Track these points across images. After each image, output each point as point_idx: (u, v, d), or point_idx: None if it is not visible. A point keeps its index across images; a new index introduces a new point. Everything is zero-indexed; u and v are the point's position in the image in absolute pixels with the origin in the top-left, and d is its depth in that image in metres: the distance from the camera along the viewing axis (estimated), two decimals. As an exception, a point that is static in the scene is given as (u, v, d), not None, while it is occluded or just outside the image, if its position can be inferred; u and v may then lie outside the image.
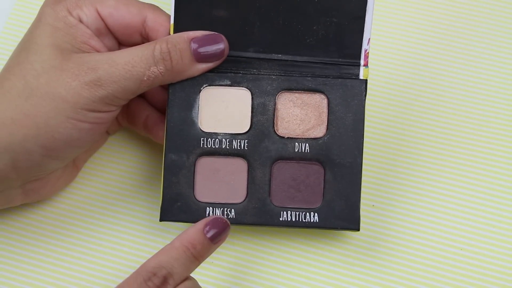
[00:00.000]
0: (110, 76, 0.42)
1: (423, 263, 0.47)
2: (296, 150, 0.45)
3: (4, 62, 0.53)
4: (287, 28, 0.45)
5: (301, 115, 0.45)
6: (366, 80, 0.45)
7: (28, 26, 0.54)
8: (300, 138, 0.45)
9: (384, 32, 0.54)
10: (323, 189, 0.44)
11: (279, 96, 0.45)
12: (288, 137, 0.45)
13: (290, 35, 0.45)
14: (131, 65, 0.42)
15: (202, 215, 0.44)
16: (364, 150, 0.49)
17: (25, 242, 0.48)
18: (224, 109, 0.45)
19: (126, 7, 0.45)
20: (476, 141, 0.51)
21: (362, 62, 0.45)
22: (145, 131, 0.49)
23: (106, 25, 0.45)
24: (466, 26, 0.54)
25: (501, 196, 0.49)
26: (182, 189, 0.44)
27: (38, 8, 0.54)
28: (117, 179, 0.50)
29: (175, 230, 0.48)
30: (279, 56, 0.45)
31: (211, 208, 0.45)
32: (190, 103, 0.45)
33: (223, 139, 0.45)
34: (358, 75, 0.45)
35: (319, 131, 0.45)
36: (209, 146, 0.45)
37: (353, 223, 0.44)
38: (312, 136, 0.45)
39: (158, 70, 0.43)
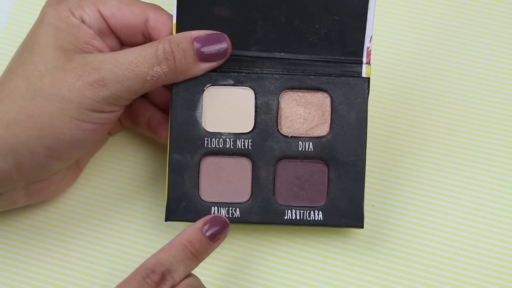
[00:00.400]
0: (114, 76, 0.42)
1: (424, 263, 0.47)
2: (300, 149, 0.45)
3: (5, 62, 0.53)
4: (290, 27, 0.45)
5: (305, 114, 0.45)
6: (369, 78, 0.45)
7: (28, 26, 0.54)
8: (303, 137, 0.45)
9: (386, 29, 0.54)
10: (327, 187, 0.45)
11: (282, 95, 0.45)
12: (291, 136, 0.45)
13: (292, 33, 0.45)
14: (135, 65, 0.42)
15: (207, 215, 0.44)
16: (366, 148, 0.49)
17: (29, 243, 0.48)
18: (227, 109, 0.45)
19: (128, 7, 0.45)
20: (478, 141, 0.51)
21: (364, 60, 0.45)
22: (148, 131, 0.49)
23: (108, 25, 0.45)
24: (469, 23, 0.54)
25: (502, 196, 0.49)
26: (187, 189, 0.45)
27: (38, 8, 0.54)
28: (120, 180, 0.50)
29: (181, 228, 0.48)
30: (282, 55, 0.45)
31: (216, 207, 0.45)
32: (193, 103, 0.45)
33: (227, 139, 0.45)
34: (361, 73, 0.45)
35: (323, 130, 0.45)
36: (213, 146, 0.45)
37: (357, 221, 0.44)
38: (316, 134, 0.45)
39: (161, 69, 0.43)
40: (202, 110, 0.45)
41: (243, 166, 0.45)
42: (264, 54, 0.45)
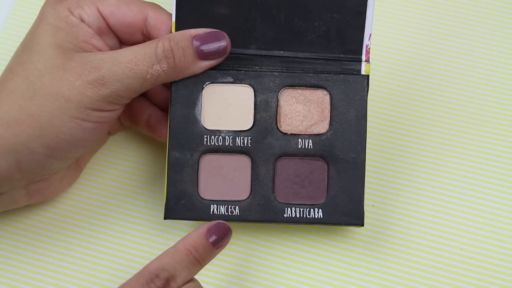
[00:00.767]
0: (113, 74, 0.42)
1: (423, 263, 0.47)
2: (299, 146, 0.45)
3: (5, 62, 0.53)
4: (289, 25, 0.45)
5: (304, 111, 0.45)
6: (368, 75, 0.45)
7: (28, 26, 0.54)
8: (303, 134, 0.45)
9: (385, 27, 0.54)
10: (327, 185, 0.45)
11: (282, 93, 0.45)
12: (291, 134, 0.45)
13: (291, 31, 0.45)
14: (134, 64, 0.42)
15: (207, 213, 0.44)
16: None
17: (29, 243, 0.48)
18: (227, 106, 0.45)
19: (127, 5, 0.45)
20: (478, 141, 0.51)
21: (363, 57, 0.45)
22: (148, 130, 0.49)
23: (107, 24, 0.45)
24: (468, 22, 0.54)
25: (502, 196, 0.49)
26: (186, 186, 0.45)
27: (38, 8, 0.54)
28: (120, 179, 0.50)
29: (180, 228, 0.48)
30: (281, 53, 0.45)
31: (215, 205, 0.45)
32: (193, 101, 0.45)
33: (227, 136, 0.45)
34: (360, 70, 0.45)
35: (322, 127, 0.45)
36: (212, 144, 0.45)
37: (357, 219, 0.44)
38: (315, 132, 0.45)
39: (161, 68, 0.43)
40: (201, 108, 0.45)
41: (243, 163, 0.45)
42: (263, 52, 0.45)
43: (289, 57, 0.45)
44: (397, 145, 0.51)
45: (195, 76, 0.45)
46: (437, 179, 0.50)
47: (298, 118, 0.45)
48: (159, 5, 0.46)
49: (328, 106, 0.45)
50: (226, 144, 0.45)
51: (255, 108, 0.45)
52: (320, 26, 0.45)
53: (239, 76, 0.45)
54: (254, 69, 0.45)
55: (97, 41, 0.44)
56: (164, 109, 0.48)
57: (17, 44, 0.53)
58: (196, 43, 0.43)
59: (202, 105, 0.45)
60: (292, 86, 0.45)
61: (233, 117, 0.45)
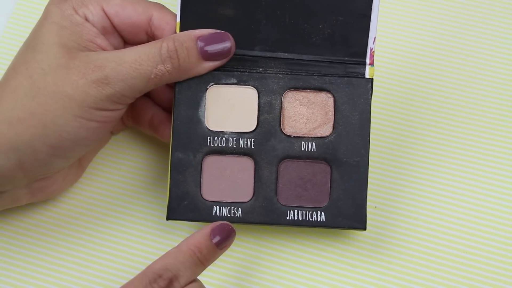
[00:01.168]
0: (117, 74, 0.42)
1: (426, 265, 0.47)
2: (302, 149, 0.45)
3: (8, 61, 0.53)
4: (293, 27, 0.45)
5: (308, 114, 0.45)
6: (372, 79, 0.45)
7: (30, 25, 0.54)
8: (306, 137, 0.45)
9: (390, 31, 0.54)
10: (330, 188, 0.45)
11: (286, 95, 0.45)
12: (294, 136, 0.45)
13: (296, 33, 0.45)
14: (138, 63, 0.42)
15: (209, 214, 0.44)
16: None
17: (30, 242, 0.48)
18: (230, 108, 0.45)
19: (132, 5, 0.45)
20: (482, 143, 0.51)
21: (368, 61, 0.45)
22: (151, 130, 0.49)
23: (112, 23, 0.45)
24: (473, 25, 0.54)
25: (506, 198, 0.49)
26: (188, 187, 0.44)
27: (40, 7, 0.54)
28: (123, 179, 0.50)
29: (182, 229, 0.48)
30: (285, 55, 0.45)
31: (217, 207, 0.45)
32: (196, 102, 0.45)
33: (230, 138, 0.45)
34: (364, 74, 0.45)
35: (326, 130, 0.45)
36: (215, 145, 0.45)
37: (359, 222, 0.44)
38: (319, 135, 0.45)
39: (165, 68, 0.42)
40: (205, 109, 0.45)
41: (246, 165, 0.45)
42: (268, 54, 0.45)
43: (293, 59, 0.45)
44: (401, 148, 0.51)
45: (199, 77, 0.45)
46: (441, 181, 0.50)
47: (302, 120, 0.45)
48: (164, 6, 0.46)
49: (331, 109, 0.45)
50: (229, 145, 0.45)
51: (258, 110, 0.45)
52: (325, 28, 0.45)
53: (243, 77, 0.45)
54: (258, 71, 0.45)
55: (101, 41, 0.44)
56: (167, 109, 0.48)
57: (19, 44, 0.53)
58: (200, 43, 0.43)
59: (205, 106, 0.45)
60: (296, 88, 0.45)
61: (236, 118, 0.45)
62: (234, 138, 0.45)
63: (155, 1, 0.46)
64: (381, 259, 0.48)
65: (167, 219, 0.45)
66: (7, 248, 0.48)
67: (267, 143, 0.45)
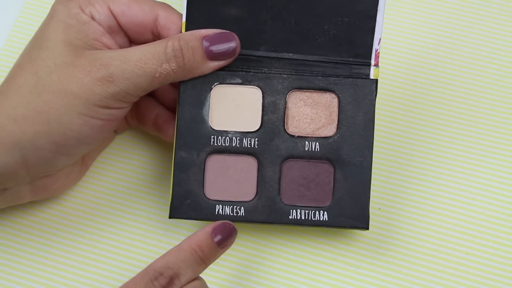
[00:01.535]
0: (122, 72, 0.42)
1: (430, 266, 0.47)
2: (306, 149, 0.45)
3: (15, 60, 0.53)
4: (299, 27, 0.45)
5: (312, 114, 0.45)
6: (377, 80, 0.45)
7: (39, 24, 0.54)
8: (310, 137, 0.45)
9: (395, 32, 0.54)
10: (333, 188, 0.45)
11: (290, 95, 0.45)
12: (298, 136, 0.45)
13: (301, 34, 0.45)
14: (143, 62, 0.42)
15: (212, 213, 0.44)
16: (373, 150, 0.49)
17: (33, 240, 0.48)
18: (234, 107, 0.45)
19: (138, 5, 0.45)
20: (487, 146, 0.51)
21: (372, 62, 0.45)
22: (155, 130, 0.49)
23: (118, 22, 0.45)
24: (478, 26, 0.54)
25: (509, 201, 0.49)
26: (191, 186, 0.45)
27: (48, 6, 0.55)
28: (126, 178, 0.50)
29: (184, 228, 0.48)
30: (290, 55, 0.45)
31: (220, 205, 0.45)
32: (201, 101, 0.45)
33: (234, 137, 0.45)
34: (369, 75, 0.45)
35: (330, 130, 0.45)
36: (219, 144, 0.45)
37: (362, 222, 0.44)
38: (322, 135, 0.45)
39: (170, 67, 0.43)
40: (209, 108, 0.45)
41: (249, 164, 0.45)
42: (273, 54, 0.45)
43: (298, 59, 0.45)
44: (405, 149, 0.51)
45: (204, 76, 0.45)
46: (444, 183, 0.49)
47: (306, 120, 0.45)
48: (169, 5, 0.46)
49: (336, 109, 0.45)
50: (233, 145, 0.45)
51: (263, 110, 0.45)
52: (330, 29, 0.45)
53: (247, 77, 0.45)
54: (263, 71, 0.45)
55: (107, 39, 0.44)
56: (172, 109, 0.48)
57: (27, 42, 0.53)
58: (205, 43, 0.43)
59: (210, 106, 0.45)
60: (300, 88, 0.45)
61: (240, 118, 0.45)
62: (238, 138, 0.45)
63: (161, 1, 0.46)
64: (384, 260, 0.48)
65: (170, 217, 0.45)
66: (10, 245, 0.48)
67: (270, 143, 0.45)
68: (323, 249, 0.48)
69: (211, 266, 0.47)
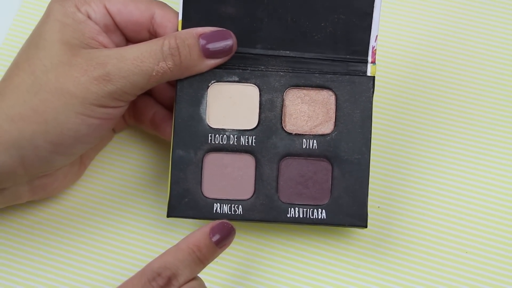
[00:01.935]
0: (119, 71, 0.42)
1: (429, 265, 0.47)
2: (304, 147, 0.45)
3: (12, 59, 0.53)
4: (295, 25, 0.45)
5: (309, 111, 0.45)
6: (374, 77, 0.45)
7: (35, 23, 0.54)
8: (308, 134, 0.45)
9: (392, 29, 0.54)
10: (331, 185, 0.44)
11: (287, 93, 0.45)
12: (296, 134, 0.45)
13: (298, 31, 0.45)
14: (140, 60, 0.42)
15: (210, 211, 0.44)
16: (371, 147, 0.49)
17: (31, 239, 0.48)
18: (232, 105, 0.45)
19: (135, 3, 0.45)
20: (484, 143, 0.50)
21: (369, 59, 0.45)
22: (152, 128, 0.49)
23: (114, 21, 0.45)
24: (475, 23, 0.54)
25: (509, 199, 0.49)
26: (189, 185, 0.44)
27: (45, 5, 0.55)
28: (124, 177, 0.50)
29: (182, 227, 0.48)
30: (287, 53, 0.45)
31: (218, 204, 0.45)
32: (198, 99, 0.45)
33: (231, 135, 0.45)
34: (366, 72, 0.45)
35: (327, 128, 0.45)
36: (216, 142, 0.45)
37: (360, 220, 0.44)
38: (320, 132, 0.45)
39: (166, 65, 0.43)
40: (206, 106, 0.45)
41: (247, 163, 0.45)
42: (269, 52, 0.45)
43: (295, 57, 0.45)
44: (402, 147, 0.50)
45: (201, 74, 0.45)
46: (443, 181, 0.49)
47: (303, 118, 0.45)
48: (166, 4, 0.46)
49: (333, 106, 0.45)
50: (231, 143, 0.45)
51: (260, 108, 0.45)
52: (327, 26, 0.45)
53: (244, 75, 0.45)
54: (260, 69, 0.45)
55: (104, 38, 0.44)
56: (169, 107, 0.48)
57: (24, 41, 0.53)
58: (202, 41, 0.43)
59: (207, 104, 0.45)
60: (297, 86, 0.45)
61: (238, 116, 0.45)
62: (235, 136, 0.45)
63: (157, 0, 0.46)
64: (383, 258, 0.47)
65: (168, 216, 0.45)
66: (8, 245, 0.48)
67: (268, 141, 0.45)
68: (322, 247, 0.48)
69: (210, 265, 0.47)
